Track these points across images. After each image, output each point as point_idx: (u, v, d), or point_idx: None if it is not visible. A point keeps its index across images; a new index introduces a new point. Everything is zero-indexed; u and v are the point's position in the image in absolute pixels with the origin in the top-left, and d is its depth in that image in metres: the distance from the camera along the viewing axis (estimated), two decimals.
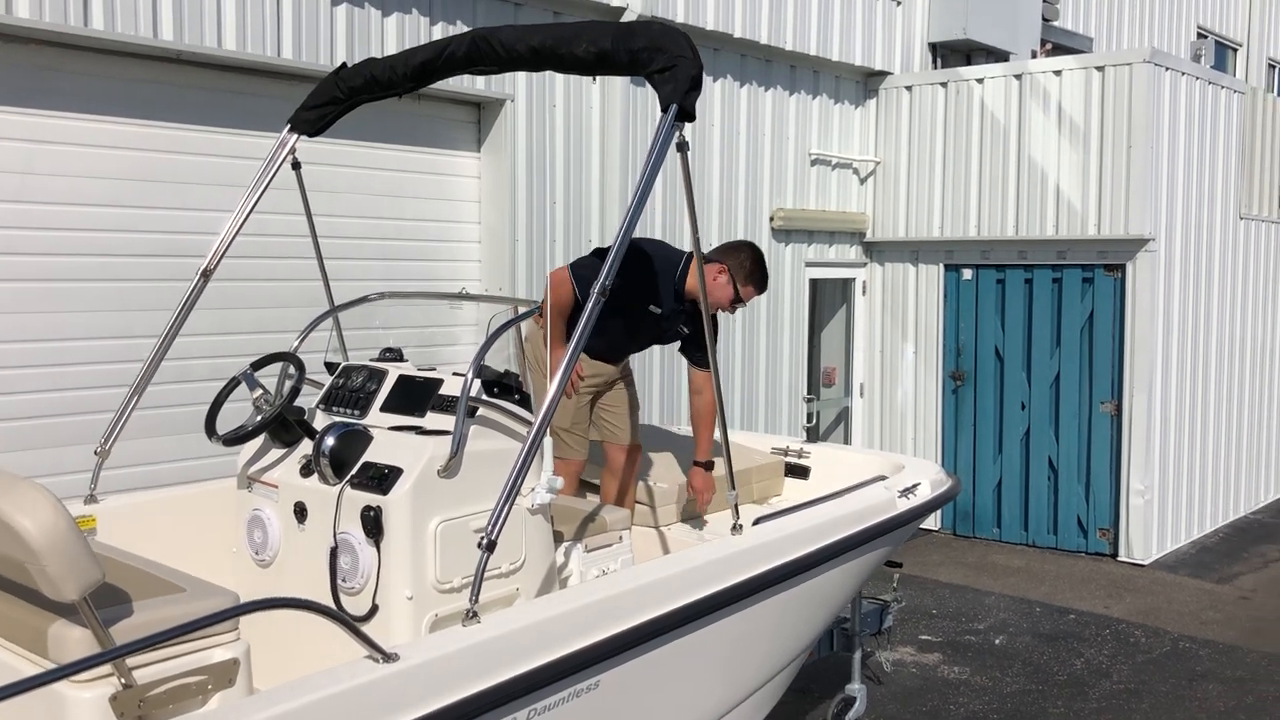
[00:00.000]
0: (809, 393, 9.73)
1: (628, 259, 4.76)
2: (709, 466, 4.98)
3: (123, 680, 2.62)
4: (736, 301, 4.89)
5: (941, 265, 9.75)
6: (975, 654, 6.88)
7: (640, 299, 4.74)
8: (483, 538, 2.99)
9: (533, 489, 3.55)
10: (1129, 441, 8.86)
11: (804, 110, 9.38)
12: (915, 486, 4.75)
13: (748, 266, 4.86)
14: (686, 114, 3.42)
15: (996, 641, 7.11)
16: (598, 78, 7.66)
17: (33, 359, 5.54)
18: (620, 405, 5.07)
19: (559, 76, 7.43)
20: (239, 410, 4.01)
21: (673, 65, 3.38)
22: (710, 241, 8.57)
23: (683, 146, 3.46)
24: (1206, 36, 14.98)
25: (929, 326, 9.86)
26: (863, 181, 10.03)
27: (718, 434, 5.19)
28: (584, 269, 4.76)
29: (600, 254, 4.94)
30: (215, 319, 5.99)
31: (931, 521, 9.83)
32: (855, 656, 5.70)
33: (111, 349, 5.72)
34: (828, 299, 10.19)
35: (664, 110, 3.41)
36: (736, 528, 3.80)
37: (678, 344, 5.11)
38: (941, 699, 6.17)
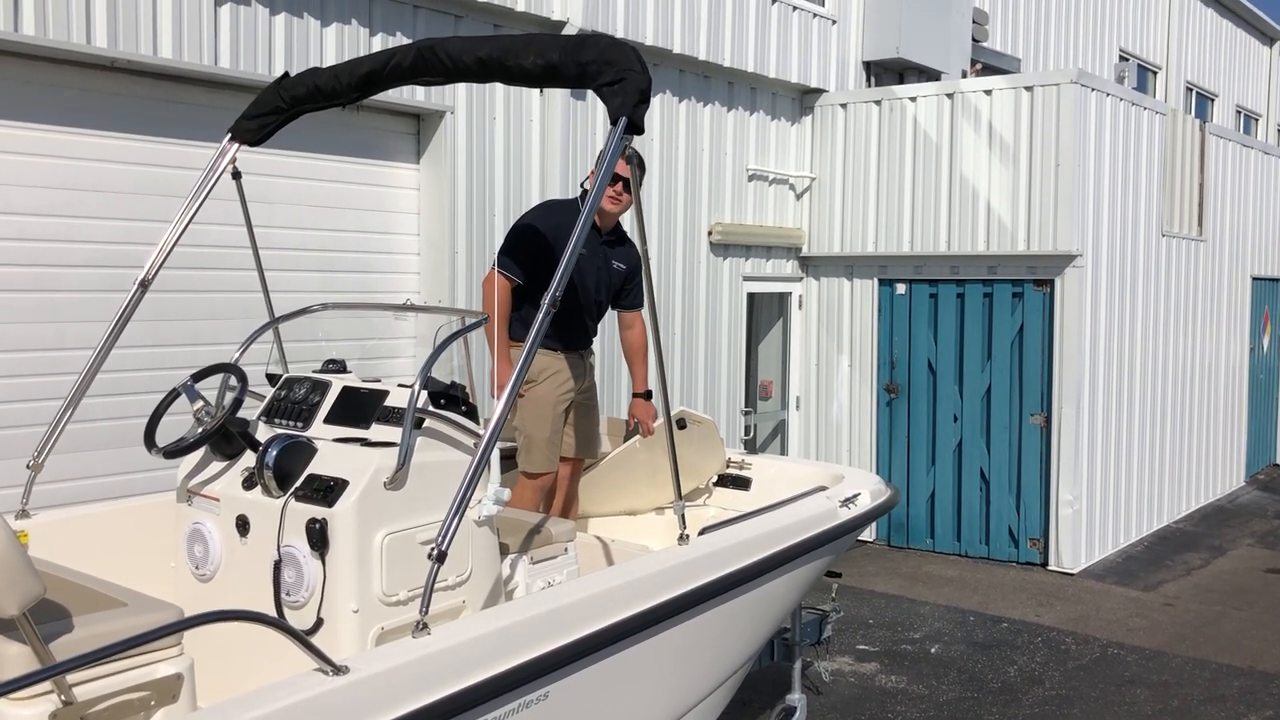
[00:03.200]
0: (746, 405, 9.81)
1: (531, 234, 4.92)
2: (647, 396, 5.40)
3: (63, 698, 2.57)
4: (617, 188, 5.07)
5: (876, 280, 9.90)
6: (912, 663, 6.97)
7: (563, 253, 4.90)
8: (433, 549, 2.97)
9: (479, 501, 3.53)
10: (1058, 453, 9.06)
11: (741, 126, 9.48)
12: (856, 497, 4.82)
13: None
14: (636, 127, 3.44)
15: (932, 650, 7.21)
16: (539, 91, 7.67)
17: None
18: (583, 423, 5.13)
19: (499, 88, 7.43)
20: (178, 424, 3.94)
21: (622, 78, 3.40)
22: (652, 254, 8.61)
23: (632, 159, 3.49)
24: (1128, 59, 15.42)
25: (863, 340, 9.99)
26: (799, 197, 10.15)
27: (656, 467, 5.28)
28: (503, 254, 4.88)
29: (513, 234, 5.02)
30: (150, 331, 5.88)
31: (866, 532, 9.95)
32: (795, 666, 5.75)
33: (42, 361, 5.59)
34: (765, 313, 10.28)
35: (613, 123, 3.43)
36: (683, 538, 3.82)
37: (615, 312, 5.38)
38: (880, 708, 6.24)
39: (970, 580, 8.86)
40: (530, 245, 4.90)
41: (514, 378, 3.19)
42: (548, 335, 4.95)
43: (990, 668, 6.91)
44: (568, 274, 3.29)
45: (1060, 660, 7.05)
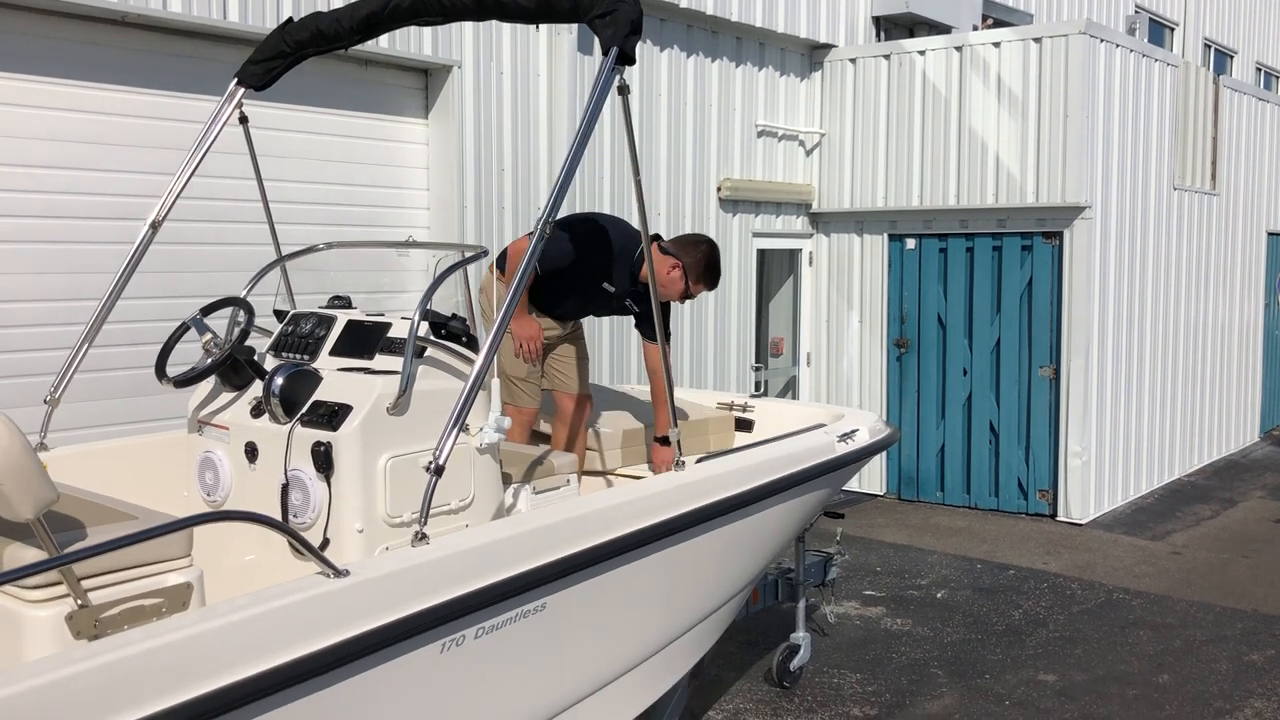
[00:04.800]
0: (757, 362, 9.88)
1: (589, 235, 4.89)
2: (666, 441, 5.04)
3: (79, 601, 2.68)
4: (686, 295, 5.10)
5: (885, 235, 9.94)
6: (917, 607, 7.07)
7: (596, 276, 4.95)
8: (430, 463, 3.08)
9: (481, 428, 3.63)
10: (1067, 405, 9.10)
11: (750, 82, 9.51)
12: (854, 432, 4.90)
13: (701, 267, 5.04)
14: (627, 57, 3.52)
15: (938, 596, 7.30)
16: (546, 44, 7.73)
17: None
18: (570, 356, 5.19)
19: (505, 42, 7.49)
20: (187, 370, 4.05)
21: (613, 10, 3.48)
22: (658, 210, 8.68)
23: (624, 90, 3.56)
24: (1141, 13, 15.30)
25: (873, 295, 10.04)
26: (808, 153, 10.18)
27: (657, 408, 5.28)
28: (545, 241, 4.82)
29: (560, 226, 4.96)
30: (164, 282, 6.01)
31: (876, 486, 10.04)
32: (799, 606, 5.85)
33: (58, 311, 5.72)
34: (775, 270, 10.34)
35: (605, 54, 3.51)
36: (679, 464, 3.91)
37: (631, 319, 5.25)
38: (884, 648, 6.35)
39: (979, 531, 8.94)
40: (570, 252, 4.84)
41: (508, 302, 3.28)
42: (541, 304, 4.98)
43: (995, 611, 7.00)
44: (560, 200, 3.37)
45: (1065, 604, 7.14)
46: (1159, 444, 10.34)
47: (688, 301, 5.28)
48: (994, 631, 6.64)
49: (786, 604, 5.92)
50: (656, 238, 5.16)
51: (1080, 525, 9.06)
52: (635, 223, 4.69)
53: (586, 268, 4.87)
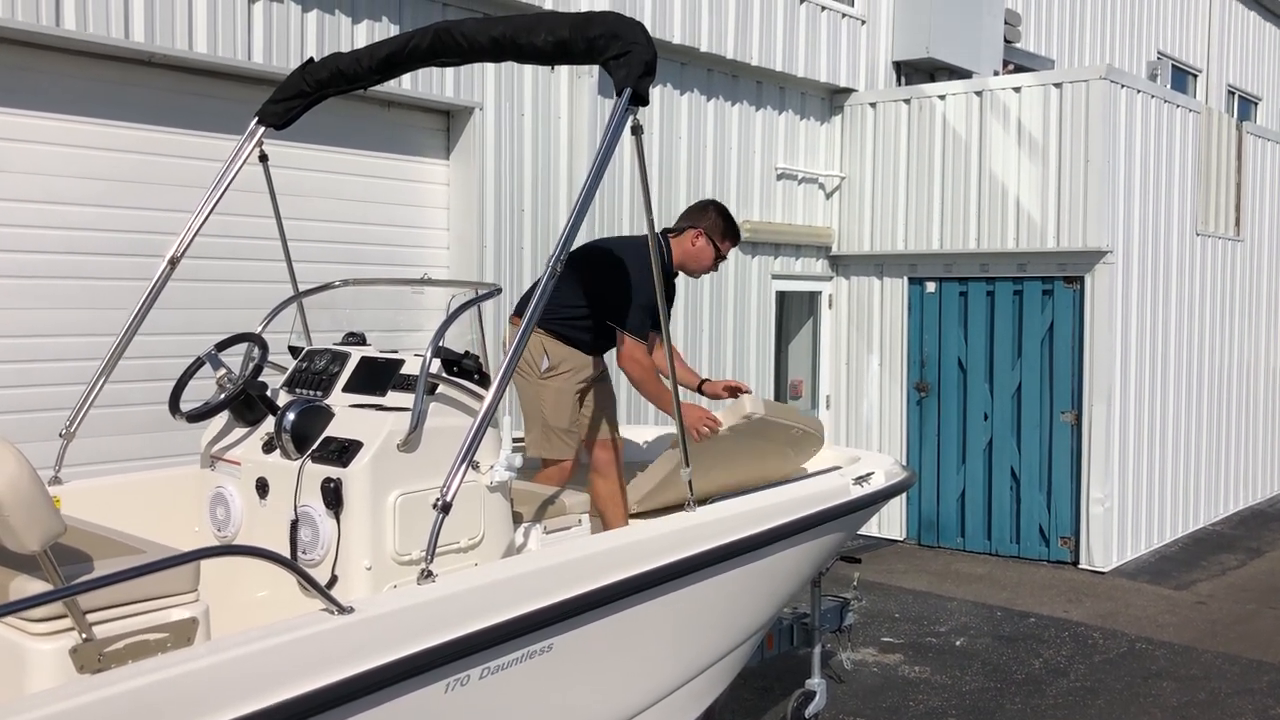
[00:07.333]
0: None
1: (621, 263, 4.86)
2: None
3: (83, 634, 2.68)
4: (719, 259, 5.16)
5: (905, 278, 9.91)
6: (936, 654, 6.97)
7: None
8: (437, 500, 3.06)
9: (491, 466, 3.62)
10: (1089, 451, 9.01)
11: (770, 125, 9.55)
12: (869, 475, 4.85)
13: (720, 223, 5.12)
14: (640, 98, 3.54)
15: (957, 643, 7.20)
16: (567, 87, 7.80)
17: (1, 354, 5.58)
18: (600, 402, 5.17)
19: (527, 84, 7.56)
20: (203, 402, 4.06)
21: (627, 51, 3.51)
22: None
23: (637, 130, 3.58)
24: (1163, 59, 15.30)
25: (894, 339, 10.00)
26: (828, 196, 10.20)
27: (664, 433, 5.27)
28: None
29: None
30: (183, 318, 6.04)
31: (896, 531, 9.95)
32: (815, 651, 5.77)
33: (80, 346, 5.76)
34: (794, 312, 10.33)
35: (618, 95, 3.53)
36: (690, 504, 3.88)
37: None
38: (901, 696, 6.25)
39: (1000, 578, 8.82)
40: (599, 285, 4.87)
41: (513, 349, 3.28)
42: (585, 341, 4.96)
43: (1015, 660, 6.89)
44: (572, 239, 3.38)
45: (1087, 654, 7.02)
46: (1183, 492, 10.21)
47: (713, 272, 5.27)
48: (1013, 680, 6.54)
49: (802, 649, 5.84)
50: (664, 231, 5.16)
51: (1103, 573, 8.93)
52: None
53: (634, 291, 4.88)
